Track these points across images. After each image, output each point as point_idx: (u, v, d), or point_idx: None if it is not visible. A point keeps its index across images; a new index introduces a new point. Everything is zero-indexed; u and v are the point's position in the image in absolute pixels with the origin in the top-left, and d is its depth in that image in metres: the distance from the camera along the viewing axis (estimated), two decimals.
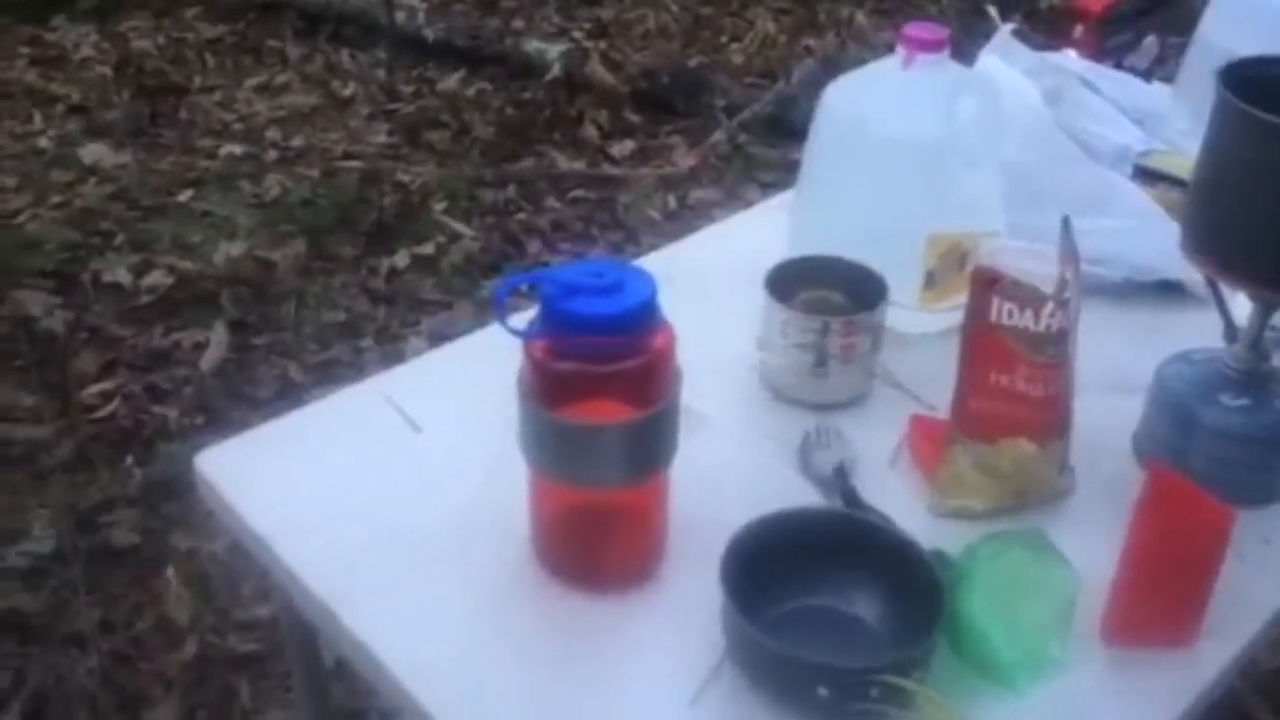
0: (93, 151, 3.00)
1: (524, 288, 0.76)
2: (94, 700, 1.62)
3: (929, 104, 0.98)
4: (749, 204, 2.83)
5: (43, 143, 3.07)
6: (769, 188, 2.94)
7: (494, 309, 0.71)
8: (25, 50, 3.56)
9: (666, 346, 0.74)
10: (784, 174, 2.99)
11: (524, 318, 0.75)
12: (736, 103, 3.22)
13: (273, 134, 3.14)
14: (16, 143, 3.07)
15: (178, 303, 2.46)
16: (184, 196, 2.83)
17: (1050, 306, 0.78)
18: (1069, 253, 0.81)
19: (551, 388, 0.74)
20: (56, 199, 2.80)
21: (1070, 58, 1.35)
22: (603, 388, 0.73)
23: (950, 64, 1.00)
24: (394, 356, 2.32)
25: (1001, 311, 0.80)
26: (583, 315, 0.70)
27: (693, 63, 3.45)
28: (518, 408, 0.77)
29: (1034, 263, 0.82)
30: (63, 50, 3.57)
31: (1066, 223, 0.81)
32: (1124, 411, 0.95)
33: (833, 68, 3.39)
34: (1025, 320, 0.80)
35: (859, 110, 1.01)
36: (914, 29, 0.98)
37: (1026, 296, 0.79)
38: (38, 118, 3.19)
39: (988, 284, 0.81)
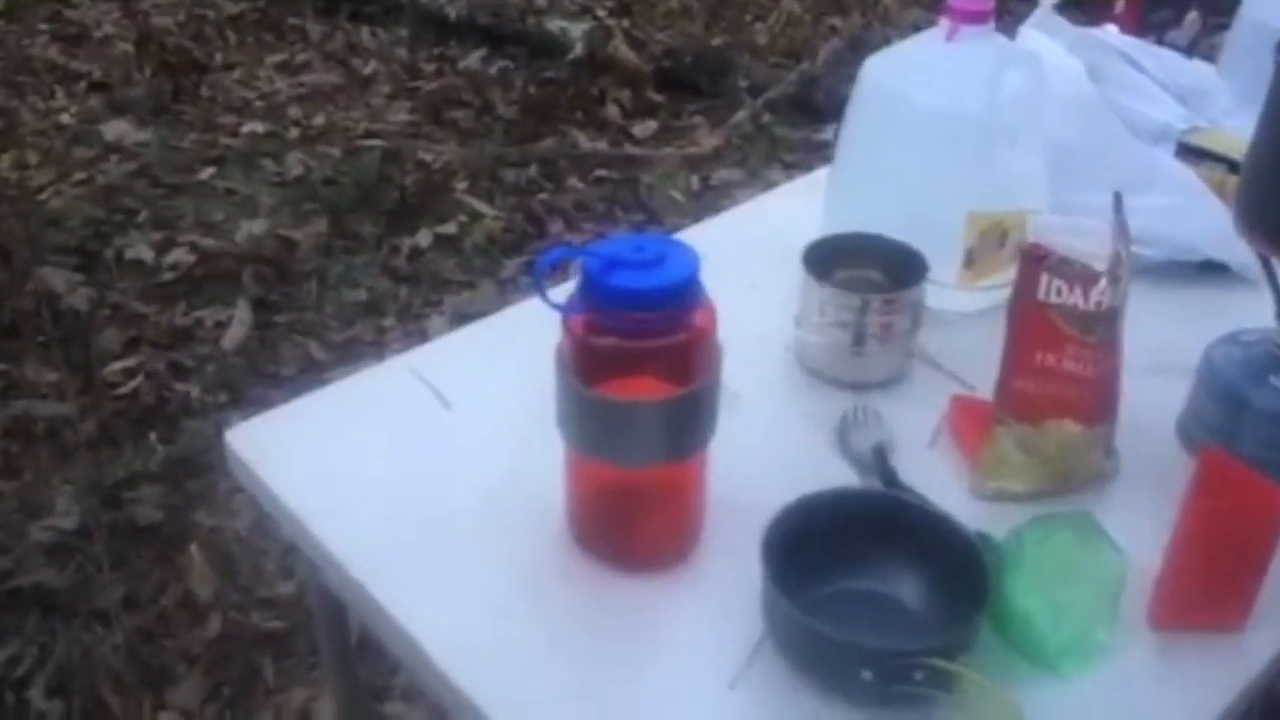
0: (115, 128, 3.00)
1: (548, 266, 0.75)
2: (118, 676, 1.63)
3: (973, 77, 0.96)
4: (772, 185, 2.82)
5: (65, 119, 3.07)
6: (792, 168, 2.92)
7: (534, 282, 0.70)
8: (46, 27, 3.56)
9: (708, 323, 0.72)
10: (807, 155, 2.97)
11: (553, 294, 0.73)
12: (760, 83, 3.20)
13: (294, 112, 3.13)
14: (39, 119, 3.07)
15: (200, 280, 2.46)
16: (206, 174, 2.83)
17: (1102, 284, 0.76)
18: (1121, 230, 0.78)
19: (590, 363, 0.72)
20: (79, 176, 2.80)
21: (1111, 33, 1.32)
22: (643, 364, 0.72)
23: (995, 37, 0.97)
24: (416, 336, 2.31)
25: (1050, 289, 0.78)
26: (624, 290, 0.69)
27: (716, 42, 3.42)
28: (555, 384, 0.75)
29: (1082, 240, 0.80)
30: (84, 27, 3.57)
31: (1119, 199, 0.79)
32: (1167, 393, 0.93)
33: (858, 48, 3.39)
34: (1074, 298, 0.78)
35: (900, 83, 0.98)
36: (959, 0, 0.95)
37: (1076, 274, 0.77)
38: (60, 94, 3.19)
39: (1036, 261, 0.79)
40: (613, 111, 3.14)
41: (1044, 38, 1.13)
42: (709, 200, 2.79)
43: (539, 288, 0.70)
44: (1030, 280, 0.79)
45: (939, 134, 0.97)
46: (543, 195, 2.79)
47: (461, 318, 2.34)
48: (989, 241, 0.99)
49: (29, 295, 2.33)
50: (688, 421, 0.74)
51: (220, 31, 3.53)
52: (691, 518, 0.80)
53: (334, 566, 0.82)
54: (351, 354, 2.27)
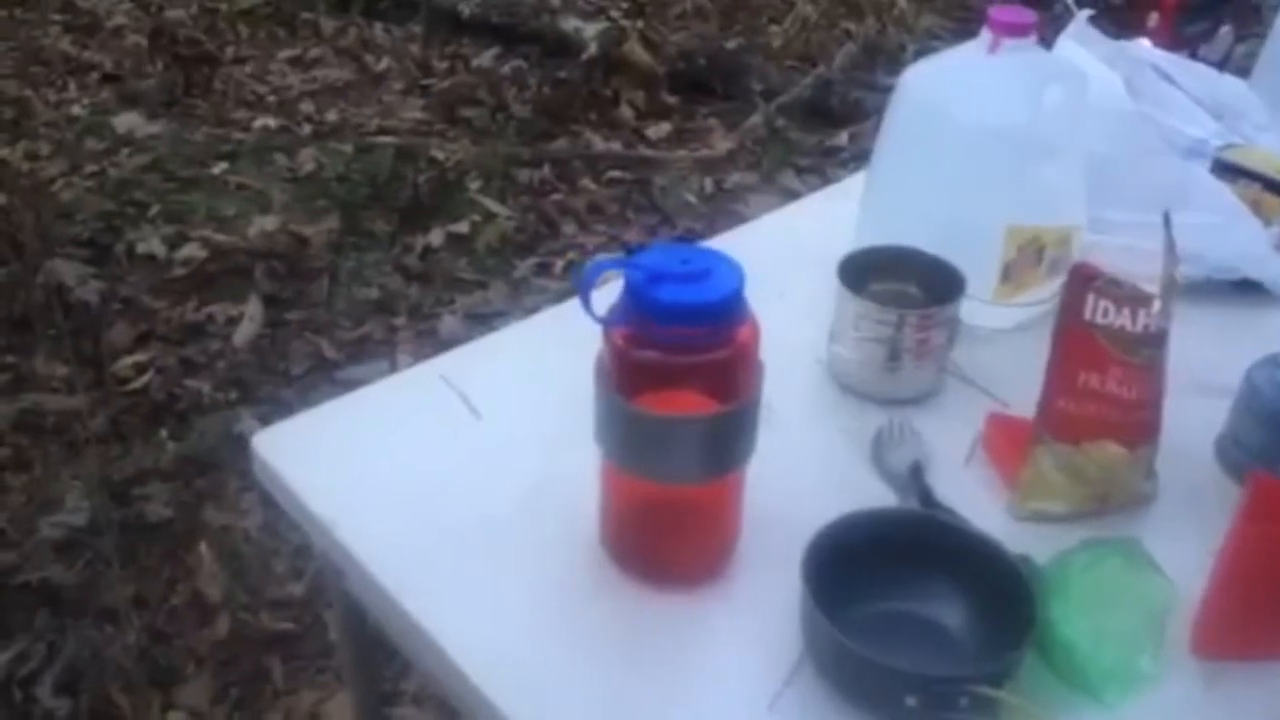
0: (126, 121, 2.98)
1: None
2: (127, 675, 1.61)
3: (1014, 91, 0.95)
4: (786, 189, 2.81)
5: (76, 110, 3.06)
6: (806, 173, 2.91)
7: (579, 293, 0.69)
8: (58, 17, 3.55)
9: (752, 338, 0.71)
10: (821, 160, 2.96)
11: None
12: (774, 86, 3.18)
13: (306, 107, 3.12)
14: (50, 110, 3.06)
15: (211, 276, 2.44)
16: (218, 169, 2.82)
17: (1154, 306, 0.75)
18: (1170, 250, 0.77)
19: (631, 376, 0.71)
20: (91, 168, 2.79)
21: (1144, 47, 1.31)
22: (685, 378, 0.71)
23: (1037, 50, 0.96)
24: (427, 335, 2.30)
25: (1096, 310, 0.77)
26: (670, 303, 0.67)
27: (731, 44, 3.41)
28: (594, 396, 0.74)
29: (1129, 260, 0.79)
30: (95, 18, 3.55)
31: (1168, 218, 0.78)
32: (1204, 414, 0.92)
33: (873, 53, 3.38)
34: (1122, 320, 0.77)
35: (940, 95, 0.97)
36: (1000, 12, 0.94)
37: (1125, 295, 0.76)
38: (72, 86, 3.18)
39: (1084, 281, 0.77)
40: (626, 113, 3.13)
41: (1081, 50, 1.12)
42: (722, 203, 2.78)
43: (584, 300, 0.68)
44: (1076, 300, 0.78)
45: (978, 147, 0.95)
46: (555, 196, 2.78)
47: (473, 318, 2.33)
48: (1026, 257, 0.98)
49: (40, 288, 2.31)
50: (731, 438, 0.73)
51: (232, 25, 3.52)
52: (728, 534, 0.79)
53: (361, 575, 0.81)
54: (363, 352, 2.26)
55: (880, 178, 1.05)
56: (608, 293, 0.72)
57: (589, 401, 0.75)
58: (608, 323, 0.71)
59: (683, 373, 0.70)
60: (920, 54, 1.04)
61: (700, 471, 0.74)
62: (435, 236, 2.59)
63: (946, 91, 0.97)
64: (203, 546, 1.81)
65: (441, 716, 1.56)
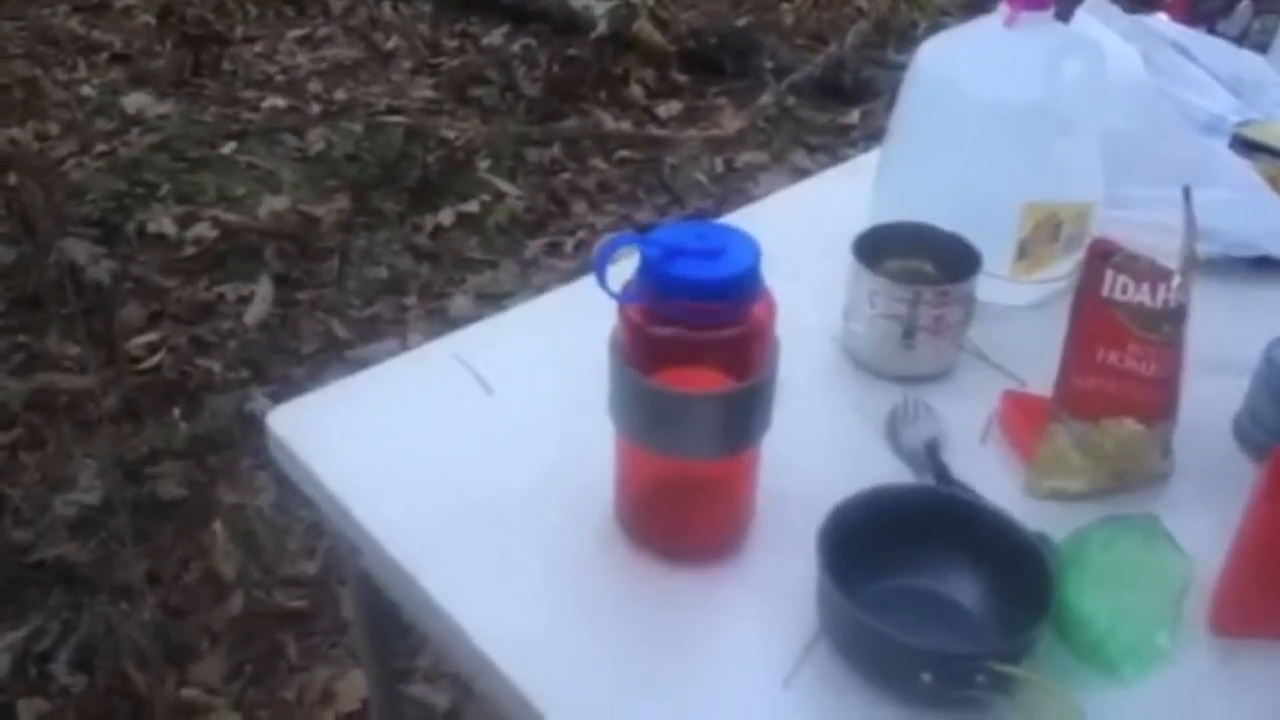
0: (136, 101, 2.98)
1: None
2: (142, 652, 1.62)
3: (1031, 66, 0.94)
4: (796, 169, 2.80)
5: (86, 90, 3.06)
6: (817, 152, 2.89)
7: (595, 269, 0.68)
8: None
9: (768, 315, 0.71)
10: (833, 138, 2.94)
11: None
12: (785, 65, 3.17)
13: (315, 86, 3.12)
14: (61, 90, 3.06)
15: (222, 255, 2.45)
16: (227, 148, 2.82)
17: (1174, 281, 0.75)
18: (1190, 225, 0.77)
19: (647, 353, 0.71)
20: (101, 148, 2.79)
21: (1162, 22, 1.29)
22: (701, 355, 0.70)
23: (1055, 24, 0.95)
24: (438, 315, 2.30)
25: (1115, 286, 0.77)
26: (687, 279, 0.67)
27: (741, 23, 3.39)
28: (609, 372, 0.74)
29: (1147, 235, 0.78)
30: None
31: (1188, 193, 0.77)
32: (1222, 391, 0.92)
33: (885, 31, 3.35)
34: (1140, 295, 0.76)
35: (956, 70, 0.96)
36: None
37: (1144, 271, 0.76)
38: (81, 66, 3.17)
39: (1102, 256, 0.77)
40: (636, 91, 3.11)
41: (1098, 24, 1.11)
42: (733, 183, 2.77)
43: (599, 275, 0.68)
44: (1095, 275, 0.78)
45: (994, 123, 0.94)
46: (565, 175, 2.77)
47: (483, 297, 2.33)
48: (1043, 233, 0.97)
49: (52, 267, 2.32)
50: (746, 415, 0.73)
51: (241, 4, 3.51)
52: (744, 510, 0.79)
53: (377, 553, 0.81)
54: (373, 332, 2.26)
55: (895, 154, 1.04)
56: (622, 269, 0.72)
57: (603, 378, 0.75)
58: (623, 299, 0.70)
59: (699, 349, 0.70)
60: (932, 31, 1.03)
61: (716, 448, 0.74)
62: (445, 216, 2.59)
63: (962, 67, 0.96)
64: (216, 524, 1.82)
65: (455, 693, 1.57)
